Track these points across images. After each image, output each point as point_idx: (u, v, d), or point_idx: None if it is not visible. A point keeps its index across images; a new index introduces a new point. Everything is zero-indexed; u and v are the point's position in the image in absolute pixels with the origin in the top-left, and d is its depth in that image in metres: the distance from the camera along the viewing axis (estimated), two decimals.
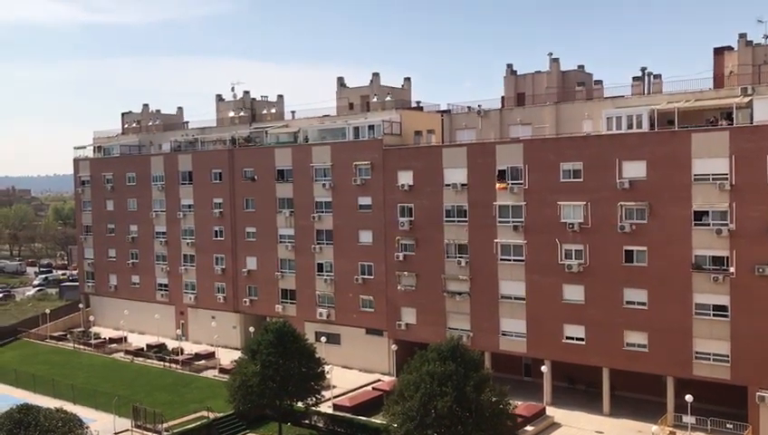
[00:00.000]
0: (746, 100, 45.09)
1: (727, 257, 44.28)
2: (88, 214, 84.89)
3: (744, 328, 43.75)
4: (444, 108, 64.05)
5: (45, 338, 77.03)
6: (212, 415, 49.29)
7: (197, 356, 65.64)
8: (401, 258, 57.86)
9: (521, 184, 51.68)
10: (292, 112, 72.25)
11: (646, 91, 52.87)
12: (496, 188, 52.64)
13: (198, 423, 48.18)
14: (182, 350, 66.50)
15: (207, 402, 52.05)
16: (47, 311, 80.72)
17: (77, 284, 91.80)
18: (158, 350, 68.43)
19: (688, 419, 42.55)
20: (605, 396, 49.62)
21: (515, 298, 52.61)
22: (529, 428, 46.20)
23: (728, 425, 43.86)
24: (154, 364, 65.72)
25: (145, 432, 47.64)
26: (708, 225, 44.82)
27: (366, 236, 60.55)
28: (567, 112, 54.07)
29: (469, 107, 60.00)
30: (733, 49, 52.26)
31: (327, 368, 47.82)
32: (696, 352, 45.57)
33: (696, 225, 45.24)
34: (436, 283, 56.14)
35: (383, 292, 59.60)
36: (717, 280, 44.37)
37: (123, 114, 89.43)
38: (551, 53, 59.57)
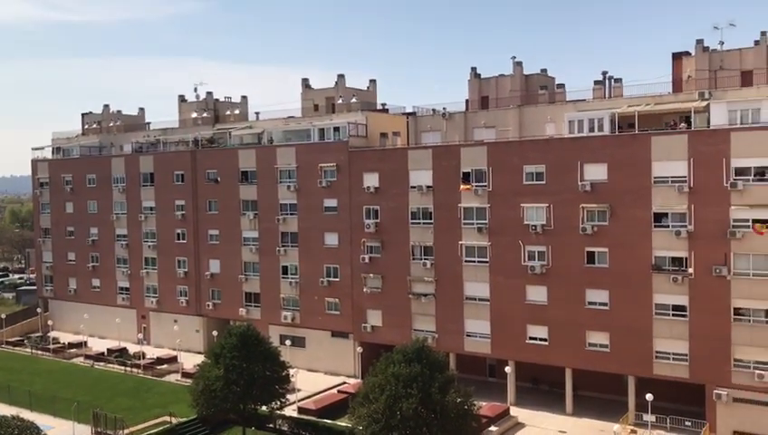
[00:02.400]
0: (704, 104, 46.13)
1: (686, 258, 45.22)
2: (46, 216, 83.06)
3: (702, 328, 44.72)
4: (409, 110, 64.32)
5: (1, 344, 75.06)
6: (174, 420, 48.58)
7: (160, 360, 64.71)
8: (367, 260, 57.82)
9: (485, 186, 52.08)
10: (257, 113, 71.81)
11: (607, 95, 53.75)
12: (461, 191, 52.97)
13: (161, 429, 47.38)
14: (144, 354, 65.48)
15: (170, 407, 51.27)
16: (3, 316, 78.69)
17: (35, 288, 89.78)
18: (120, 354, 67.30)
19: (649, 417, 43.31)
20: (568, 396, 50.24)
21: (480, 299, 52.98)
22: (493, 428, 46.51)
23: (687, 422, 44.75)
24: (115, 369, 64.60)
25: None
26: (668, 226, 45.71)
27: (331, 239, 60.37)
28: (530, 116, 54.64)
29: (434, 109, 60.27)
30: (690, 54, 53.42)
31: (292, 371, 47.51)
32: (656, 352, 46.42)
33: (655, 226, 46.11)
34: (402, 285, 56.22)
35: (349, 294, 59.48)
36: (676, 281, 45.26)
37: (83, 115, 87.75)
38: (514, 57, 60.22)
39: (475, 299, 53.17)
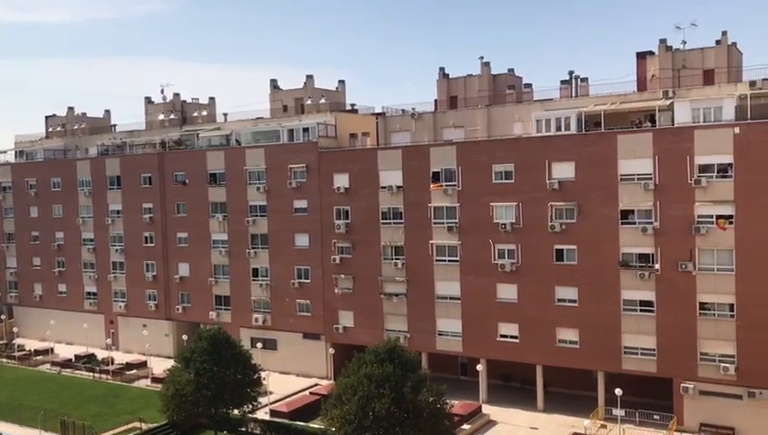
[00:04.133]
0: (668, 102, 46.93)
1: (652, 254, 45.95)
2: (10, 221, 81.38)
3: (669, 322, 45.50)
4: (378, 110, 64.34)
5: None
6: (144, 426, 48.02)
7: (129, 366, 63.87)
8: (338, 261, 57.72)
9: (454, 186, 52.34)
10: (225, 115, 71.16)
11: (573, 95, 54.40)
12: (431, 190, 53.16)
13: None
14: (112, 360, 64.55)
15: (140, 413, 50.66)
16: None
17: None
18: (87, 360, 66.28)
19: (618, 412, 43.90)
20: (539, 392, 50.73)
21: (451, 298, 53.22)
22: (466, 426, 46.76)
23: (655, 416, 45.48)
24: (83, 375, 63.56)
25: None
26: (634, 223, 46.40)
27: (302, 240, 60.13)
28: (498, 115, 55.06)
29: (403, 110, 60.41)
30: (654, 54, 54.29)
31: (263, 374, 47.26)
32: (625, 347, 47.09)
33: (622, 223, 46.78)
34: (373, 285, 56.24)
35: (320, 295, 59.32)
36: (643, 277, 45.97)
37: (47, 117, 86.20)
38: (482, 57, 60.62)
39: (447, 298, 53.41)
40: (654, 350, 46.19)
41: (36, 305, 78.77)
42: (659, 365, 46.01)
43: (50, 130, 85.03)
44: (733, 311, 43.81)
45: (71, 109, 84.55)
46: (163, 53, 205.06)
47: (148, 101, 78.83)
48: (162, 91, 77.93)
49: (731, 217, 43.42)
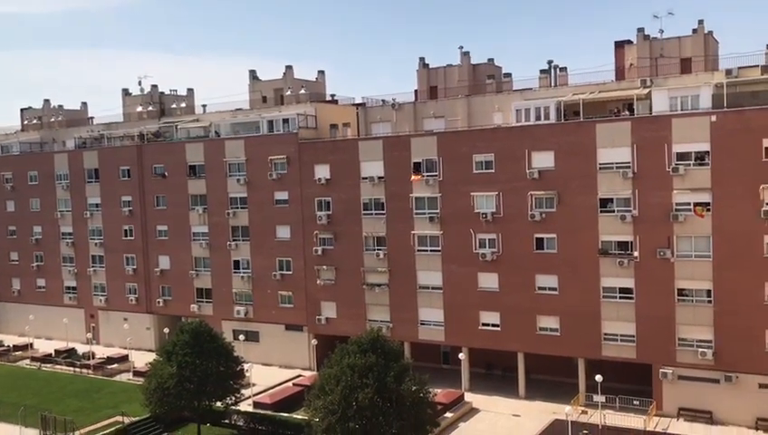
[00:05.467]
0: (646, 91, 47.32)
1: (631, 242, 46.42)
2: None
3: (648, 309, 46.05)
4: (359, 101, 64.21)
5: None
6: (127, 420, 47.71)
7: (110, 360, 63.43)
8: (320, 253, 57.68)
9: (435, 176, 52.45)
10: (203, 106, 70.64)
11: (552, 84, 54.64)
12: (412, 181, 53.23)
13: (113, 429, 46.50)
14: (93, 354, 64.07)
15: (122, 407, 50.33)
16: None
17: None
18: (68, 355, 65.69)
19: (599, 398, 44.43)
20: (521, 380, 51.19)
21: (433, 288, 53.43)
22: (448, 414, 47.08)
23: (635, 401, 46.09)
24: (63, 370, 63.04)
25: None
26: (613, 211, 46.83)
27: (283, 232, 59.98)
28: (478, 105, 55.17)
29: (384, 100, 60.39)
30: (632, 43, 54.67)
31: (246, 366, 47.18)
32: (605, 334, 47.62)
33: (601, 212, 47.19)
34: (356, 276, 56.30)
35: (302, 287, 59.27)
36: (623, 264, 46.46)
37: (22, 110, 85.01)
38: (461, 47, 60.78)
39: (429, 288, 53.61)
40: (633, 336, 46.75)
41: (15, 301, 77.85)
42: (639, 351, 46.59)
43: (25, 122, 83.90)
44: (710, 297, 44.45)
45: (46, 101, 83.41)
46: (139, 44, 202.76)
47: (126, 92, 78.01)
48: (140, 83, 77.18)
49: (708, 204, 43.97)
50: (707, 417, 44.58)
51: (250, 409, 49.21)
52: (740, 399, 43.67)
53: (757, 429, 43.08)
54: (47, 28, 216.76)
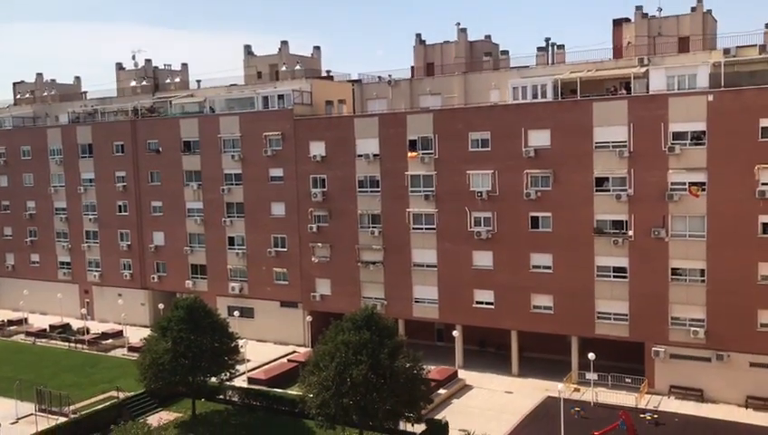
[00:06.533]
0: (643, 70, 47.07)
1: (626, 221, 46.49)
2: None
3: (641, 288, 46.25)
4: (354, 77, 63.81)
5: None
6: (122, 395, 47.92)
7: (104, 335, 63.55)
8: (315, 230, 57.63)
9: (431, 154, 52.27)
10: (198, 81, 70.26)
11: (550, 62, 54.36)
12: (408, 158, 53.05)
13: (108, 404, 46.72)
14: (88, 329, 64.18)
15: (117, 382, 50.57)
16: None
17: None
18: (63, 330, 65.80)
19: (591, 376, 44.81)
20: (514, 357, 51.50)
21: (427, 266, 53.50)
22: (442, 391, 47.40)
23: (627, 379, 46.48)
24: (58, 345, 63.14)
25: (50, 416, 45.76)
26: (609, 190, 46.80)
27: (278, 209, 59.85)
28: (475, 82, 54.87)
29: (380, 77, 59.96)
30: (630, 21, 54.30)
31: (241, 342, 47.31)
32: (598, 313, 47.86)
33: (597, 191, 47.16)
34: (351, 253, 56.31)
35: (297, 264, 59.30)
36: (617, 243, 46.56)
37: (15, 84, 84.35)
38: (458, 23, 60.26)
39: (423, 266, 53.68)
40: (626, 315, 46.99)
41: (9, 275, 77.78)
42: (632, 330, 46.87)
43: (18, 96, 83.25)
44: (703, 276, 44.64)
45: (39, 75, 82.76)
46: (133, 18, 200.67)
47: (120, 67, 77.38)
48: (134, 58, 76.70)
49: (703, 184, 43.99)
50: (698, 395, 45.00)
51: (245, 384, 49.44)
52: (731, 377, 44.06)
53: (747, 407, 43.54)
54: (40, 1, 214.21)
